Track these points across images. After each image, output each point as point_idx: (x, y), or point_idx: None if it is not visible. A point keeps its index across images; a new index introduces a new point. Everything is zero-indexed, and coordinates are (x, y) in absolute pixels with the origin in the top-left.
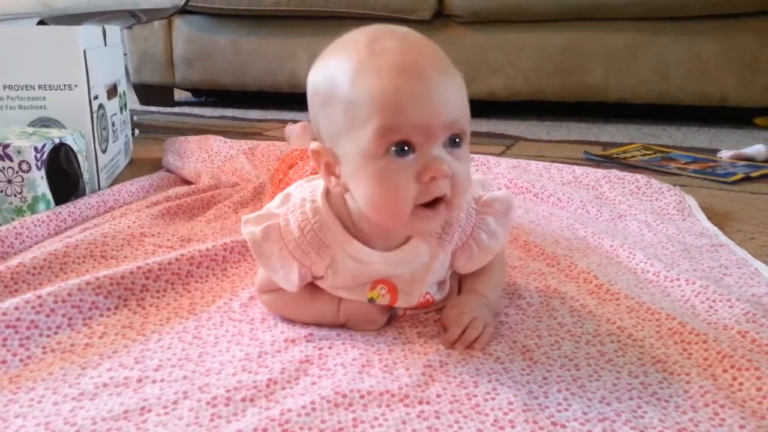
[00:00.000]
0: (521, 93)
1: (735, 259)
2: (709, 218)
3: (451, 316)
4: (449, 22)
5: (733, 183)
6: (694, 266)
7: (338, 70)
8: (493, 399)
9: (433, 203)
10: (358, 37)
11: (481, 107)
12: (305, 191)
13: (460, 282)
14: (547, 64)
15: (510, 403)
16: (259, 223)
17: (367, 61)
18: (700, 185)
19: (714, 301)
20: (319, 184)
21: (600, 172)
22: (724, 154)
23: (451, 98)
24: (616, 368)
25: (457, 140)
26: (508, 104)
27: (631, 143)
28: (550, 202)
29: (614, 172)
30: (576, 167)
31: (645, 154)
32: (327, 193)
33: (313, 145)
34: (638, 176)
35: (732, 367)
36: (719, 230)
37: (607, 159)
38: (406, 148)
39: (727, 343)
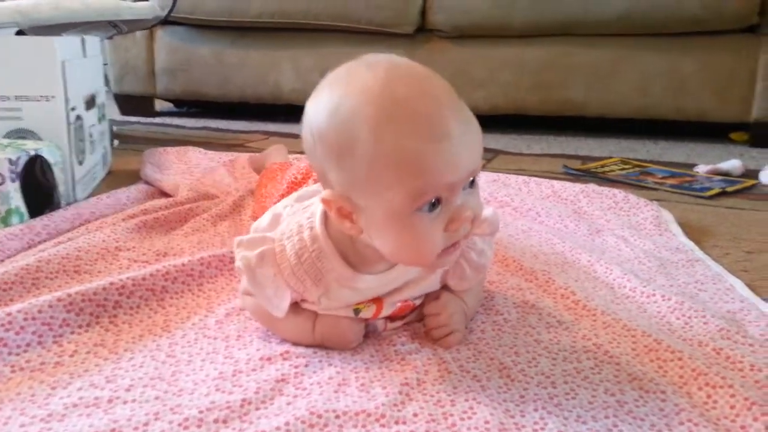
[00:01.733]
0: (502, 107)
1: (710, 275)
2: (686, 233)
3: (430, 310)
4: (432, 37)
5: (710, 198)
6: (670, 281)
7: (354, 120)
8: (469, 418)
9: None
10: (367, 79)
11: None
12: (302, 216)
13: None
14: (528, 79)
15: (486, 422)
16: (254, 248)
17: (387, 116)
18: (677, 200)
19: (689, 317)
20: (315, 209)
21: (578, 187)
22: (701, 169)
23: (477, 149)
24: (592, 386)
25: (474, 179)
26: (489, 118)
27: (610, 157)
28: (529, 217)
29: (592, 187)
30: (555, 182)
31: (623, 169)
32: (326, 220)
33: (326, 194)
34: (616, 191)
35: (706, 384)
36: (695, 245)
37: (585, 173)
38: (436, 204)
39: (702, 360)
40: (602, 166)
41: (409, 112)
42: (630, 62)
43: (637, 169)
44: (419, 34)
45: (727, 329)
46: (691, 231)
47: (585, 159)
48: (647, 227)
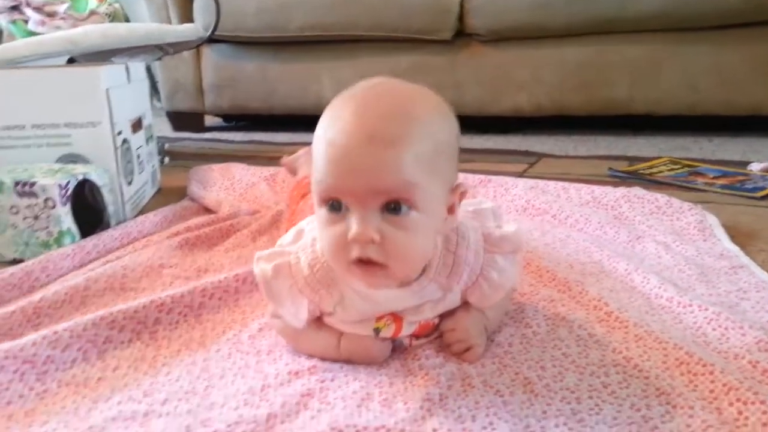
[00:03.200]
0: (546, 108)
1: (754, 282)
2: (733, 237)
3: (446, 326)
4: (471, 41)
5: (762, 198)
6: (710, 290)
7: (321, 121)
8: None
9: (369, 264)
10: (344, 94)
11: (508, 124)
12: (316, 229)
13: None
14: (570, 78)
15: None
16: (271, 261)
17: (327, 120)
18: (726, 201)
19: (726, 328)
20: None
21: (619, 192)
22: (755, 167)
23: (379, 169)
24: (618, 401)
25: (395, 207)
26: (534, 120)
27: (659, 157)
28: (568, 224)
29: (634, 191)
30: (595, 187)
31: (672, 169)
32: None
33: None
34: (658, 195)
35: (738, 400)
36: (741, 251)
37: (632, 175)
38: (336, 205)
39: (736, 374)
40: (650, 167)
41: (343, 121)
42: (674, 57)
43: (687, 169)
44: (458, 39)
45: (766, 341)
46: (738, 235)
47: (633, 160)
48: (691, 232)
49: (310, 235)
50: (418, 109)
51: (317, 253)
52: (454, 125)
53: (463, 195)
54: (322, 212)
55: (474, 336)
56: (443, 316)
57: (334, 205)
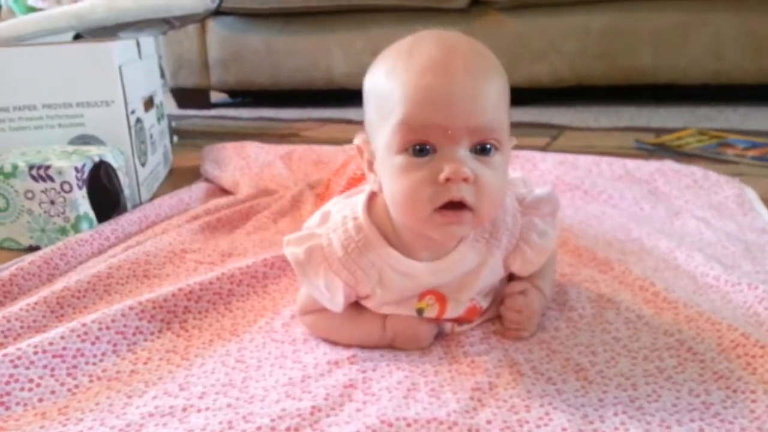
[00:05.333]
0: (566, 79)
1: None
2: None
3: (512, 304)
4: (487, 10)
5: None
6: (756, 268)
7: (379, 68)
8: (546, 425)
9: (457, 209)
10: (405, 39)
11: (525, 96)
12: (345, 209)
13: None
14: (592, 47)
15: (564, 430)
16: (301, 244)
17: (402, 59)
18: (760, 174)
19: None
20: (358, 200)
21: (653, 165)
22: None
23: (480, 101)
24: (675, 386)
25: (487, 147)
26: (553, 91)
27: (685, 128)
28: (601, 200)
29: (668, 164)
30: (627, 160)
31: (700, 141)
32: (368, 208)
33: (357, 139)
34: (694, 168)
35: None
36: None
37: (659, 147)
38: (424, 147)
39: None
40: (677, 139)
41: (421, 56)
42: (700, 24)
43: (715, 140)
44: (473, 7)
45: None
46: None
47: (658, 132)
48: (730, 207)
49: (339, 215)
50: (489, 52)
51: (350, 232)
52: None
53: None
54: (400, 159)
55: (533, 324)
56: (509, 289)
57: (421, 148)
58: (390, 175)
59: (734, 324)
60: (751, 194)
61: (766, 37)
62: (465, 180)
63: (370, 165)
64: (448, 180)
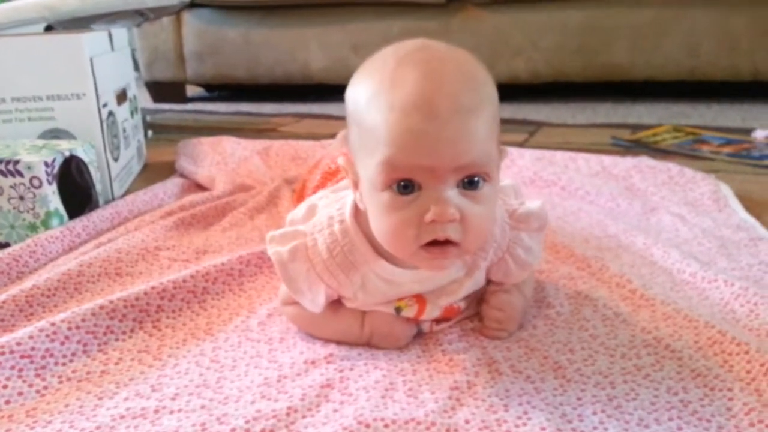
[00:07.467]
0: (544, 75)
1: None
2: (746, 208)
3: (495, 302)
4: (465, 5)
5: None
6: (731, 264)
7: (361, 90)
8: (524, 425)
9: (443, 245)
10: (388, 57)
11: (503, 92)
12: (331, 206)
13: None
14: (569, 43)
15: (543, 429)
16: (286, 243)
17: (386, 89)
18: (735, 170)
19: (755, 303)
20: (345, 200)
21: (630, 162)
22: (759, 134)
23: (469, 141)
24: (653, 384)
25: (475, 180)
26: (530, 87)
27: (660, 125)
28: (578, 196)
29: (645, 161)
30: (604, 157)
31: (676, 137)
32: (356, 211)
33: (340, 160)
34: (670, 165)
35: None
36: (757, 221)
37: (636, 144)
38: (409, 184)
39: None
40: (653, 135)
41: (405, 89)
42: (676, 21)
43: (691, 137)
44: (451, 2)
45: None
46: (751, 205)
47: (634, 128)
48: (705, 203)
49: (325, 212)
50: (478, 71)
51: (336, 235)
52: None
53: (503, 155)
54: (385, 196)
55: (512, 325)
56: (490, 290)
57: (406, 185)
58: (375, 211)
59: (711, 321)
60: (727, 191)
61: (740, 34)
62: (451, 221)
63: (356, 185)
64: (433, 221)
